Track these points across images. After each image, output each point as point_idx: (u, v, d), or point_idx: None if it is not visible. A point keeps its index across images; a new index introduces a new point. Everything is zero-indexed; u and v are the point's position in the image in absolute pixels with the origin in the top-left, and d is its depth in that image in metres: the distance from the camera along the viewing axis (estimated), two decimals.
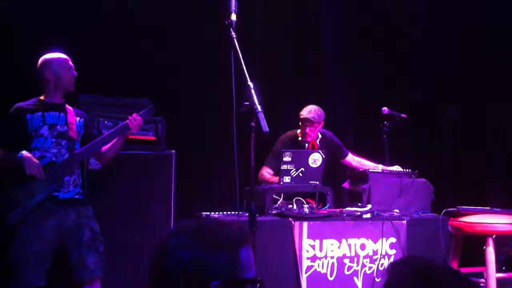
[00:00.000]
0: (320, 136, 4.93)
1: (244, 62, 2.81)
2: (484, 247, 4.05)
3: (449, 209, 4.09)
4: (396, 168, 4.59)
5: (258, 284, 1.44)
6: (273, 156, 4.80)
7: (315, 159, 4.21)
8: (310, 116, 4.74)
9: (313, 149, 4.78)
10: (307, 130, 4.77)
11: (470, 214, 4.17)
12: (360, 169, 4.66)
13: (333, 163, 4.91)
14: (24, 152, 3.24)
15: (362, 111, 5.99)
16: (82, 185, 3.51)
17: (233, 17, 2.94)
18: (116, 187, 4.07)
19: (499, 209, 4.13)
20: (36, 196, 3.21)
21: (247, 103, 2.79)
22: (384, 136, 4.87)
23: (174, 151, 4.27)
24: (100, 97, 4.24)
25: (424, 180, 4.58)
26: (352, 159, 5.03)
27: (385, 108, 4.86)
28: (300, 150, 4.66)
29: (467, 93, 6.29)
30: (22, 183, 3.20)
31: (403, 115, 4.94)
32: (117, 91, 4.40)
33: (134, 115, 3.51)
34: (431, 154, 6.29)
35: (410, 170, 4.56)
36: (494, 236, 4.06)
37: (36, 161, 3.24)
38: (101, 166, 3.85)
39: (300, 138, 4.86)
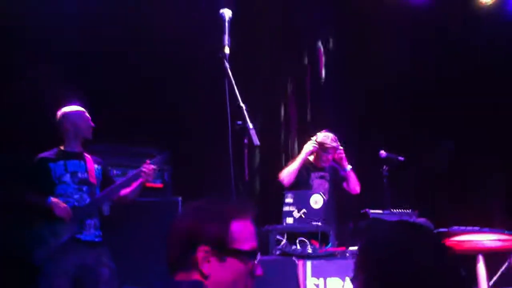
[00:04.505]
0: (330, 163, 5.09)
1: (237, 89, 3.14)
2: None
3: (441, 229, 4.21)
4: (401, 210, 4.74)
5: (248, 255, 1.62)
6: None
7: (316, 200, 4.36)
8: (335, 144, 4.92)
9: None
10: (330, 156, 4.93)
11: (460, 234, 4.30)
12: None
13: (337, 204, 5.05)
14: (52, 198, 3.53)
15: (361, 154, 6.18)
16: (100, 228, 3.72)
17: (226, 50, 3.23)
18: (126, 233, 4.23)
19: (487, 228, 4.25)
20: (61, 236, 3.49)
21: (240, 122, 3.06)
22: (384, 180, 5.03)
23: (180, 197, 4.45)
24: (107, 145, 4.46)
25: (424, 219, 4.69)
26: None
27: (382, 152, 5.04)
28: (301, 191, 4.79)
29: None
30: (48, 223, 3.47)
31: (401, 158, 5.10)
32: (117, 139, 4.61)
33: (148, 162, 3.75)
34: (430, 193, 6.41)
35: (410, 210, 4.69)
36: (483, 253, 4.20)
37: (64, 204, 3.52)
38: (109, 212, 4.05)
39: (313, 163, 5.00)
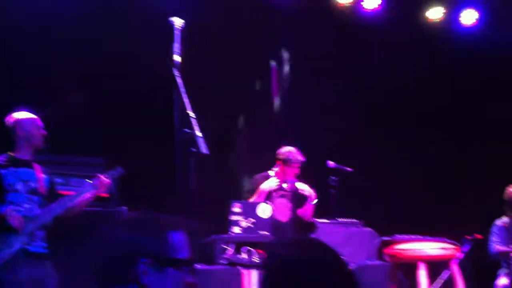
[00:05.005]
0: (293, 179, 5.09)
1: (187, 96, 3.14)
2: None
3: (385, 238, 4.31)
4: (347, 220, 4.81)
5: (185, 264, 1.67)
6: (253, 194, 4.87)
7: (264, 210, 4.38)
8: (284, 154, 4.89)
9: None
10: (281, 168, 4.90)
11: (403, 242, 4.40)
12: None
13: None
14: (5, 206, 3.46)
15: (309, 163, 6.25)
16: (46, 239, 3.65)
17: (176, 58, 3.23)
18: (70, 243, 4.15)
19: (429, 237, 4.37)
20: (13, 246, 3.42)
21: (188, 130, 3.04)
22: (332, 190, 5.10)
23: (125, 207, 4.40)
24: (51, 155, 4.37)
25: (370, 229, 4.79)
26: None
27: (330, 162, 5.11)
28: (249, 201, 4.82)
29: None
30: (0, 232, 3.41)
31: (349, 169, 5.19)
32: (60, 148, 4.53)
33: (102, 176, 3.71)
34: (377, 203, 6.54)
35: (356, 220, 4.78)
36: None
37: (18, 214, 3.44)
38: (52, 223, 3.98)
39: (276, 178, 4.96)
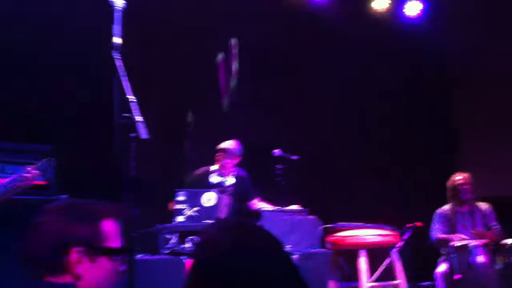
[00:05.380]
0: (236, 171, 5.06)
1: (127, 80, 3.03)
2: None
3: (327, 225, 4.34)
4: (292, 207, 4.80)
5: (118, 252, 1.67)
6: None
7: (210, 198, 4.32)
8: (226, 146, 4.88)
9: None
10: (224, 161, 4.89)
11: (344, 230, 4.46)
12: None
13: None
14: None
15: (255, 153, 6.24)
16: None
17: (117, 40, 3.13)
18: (7, 233, 3.97)
19: (370, 224, 4.43)
20: None
21: (127, 114, 2.94)
22: (278, 178, 5.09)
23: (66, 195, 4.24)
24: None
25: (314, 217, 4.81)
26: (256, 204, 5.19)
27: (276, 150, 5.10)
28: (194, 189, 4.75)
29: None
30: None
31: (294, 157, 5.19)
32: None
33: (31, 167, 3.56)
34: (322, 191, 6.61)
35: (301, 208, 4.79)
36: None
37: None
38: None
39: (215, 172, 4.94)
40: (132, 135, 2.99)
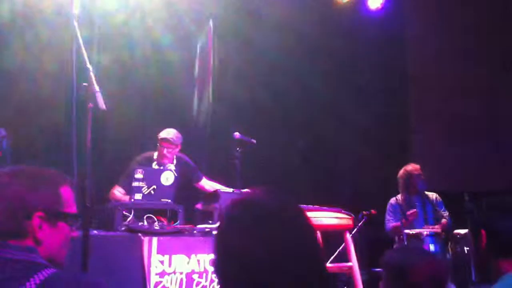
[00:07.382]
0: (175, 159, 5.04)
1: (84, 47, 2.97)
2: None
3: None
4: (247, 190, 4.82)
5: (77, 218, 1.73)
6: (126, 176, 4.80)
7: (167, 177, 4.30)
8: (169, 137, 4.86)
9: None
10: (165, 151, 4.87)
11: None
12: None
13: (187, 187, 5.04)
14: None
15: (215, 136, 6.23)
16: None
17: (76, 8, 3.09)
18: None
19: (325, 207, 4.49)
20: None
21: (85, 84, 2.88)
22: (236, 161, 5.09)
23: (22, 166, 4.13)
24: None
25: None
26: (206, 183, 5.20)
27: (236, 134, 5.10)
28: (152, 168, 4.73)
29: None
30: None
31: (253, 141, 5.21)
32: None
33: None
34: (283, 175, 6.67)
35: None
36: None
37: None
38: None
39: (155, 160, 4.93)
40: (90, 104, 2.93)
